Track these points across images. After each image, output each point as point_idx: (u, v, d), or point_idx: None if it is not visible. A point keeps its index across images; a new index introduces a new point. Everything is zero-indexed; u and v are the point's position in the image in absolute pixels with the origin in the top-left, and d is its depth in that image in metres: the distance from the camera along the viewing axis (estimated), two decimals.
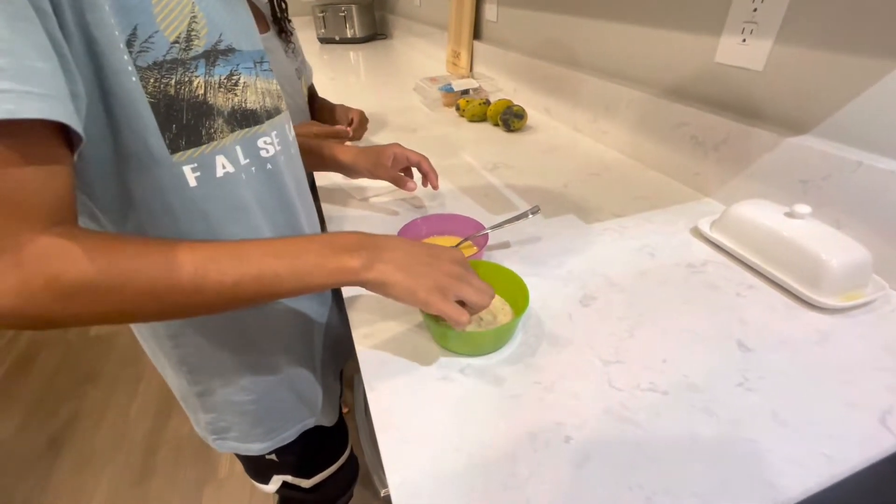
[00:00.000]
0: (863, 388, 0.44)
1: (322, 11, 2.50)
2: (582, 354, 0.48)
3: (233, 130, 0.43)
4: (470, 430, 0.41)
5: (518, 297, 0.51)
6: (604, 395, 0.44)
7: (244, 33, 0.45)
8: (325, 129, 1.01)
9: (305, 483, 0.74)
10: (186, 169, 0.41)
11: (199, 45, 0.39)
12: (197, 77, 0.39)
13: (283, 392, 0.61)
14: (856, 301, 0.52)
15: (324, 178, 0.90)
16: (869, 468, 0.38)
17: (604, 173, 0.90)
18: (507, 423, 0.42)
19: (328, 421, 0.70)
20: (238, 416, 0.60)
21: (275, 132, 0.49)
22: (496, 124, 1.18)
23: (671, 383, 0.45)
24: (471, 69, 1.66)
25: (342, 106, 1.13)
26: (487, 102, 1.23)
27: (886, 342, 0.49)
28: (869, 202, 0.57)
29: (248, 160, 0.46)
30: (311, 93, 1.15)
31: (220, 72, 0.41)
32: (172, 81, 0.38)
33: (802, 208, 0.57)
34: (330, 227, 0.76)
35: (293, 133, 0.55)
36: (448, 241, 0.65)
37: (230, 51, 0.42)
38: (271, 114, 0.48)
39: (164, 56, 0.37)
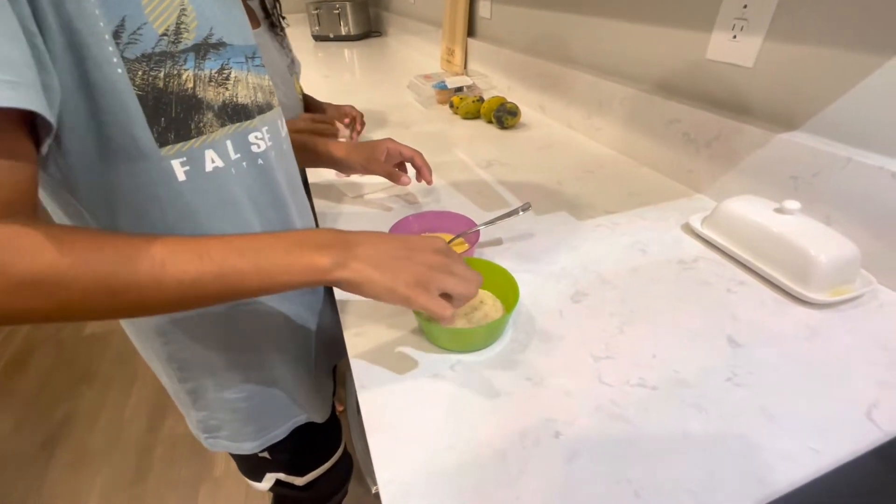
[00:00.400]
0: (850, 383, 0.44)
1: (316, 9, 2.48)
2: (573, 351, 0.49)
3: (223, 125, 0.43)
4: (460, 427, 0.41)
5: (508, 293, 0.52)
6: (594, 391, 0.44)
7: (236, 28, 0.44)
8: (312, 126, 0.98)
9: (299, 481, 0.74)
10: (175, 163, 0.40)
11: (189, 39, 0.39)
12: (186, 70, 0.39)
13: (274, 389, 0.61)
14: (844, 296, 0.53)
15: (316, 175, 0.90)
16: (854, 461, 0.38)
17: (597, 170, 0.90)
18: (497, 419, 0.42)
19: (320, 417, 0.70)
20: (229, 413, 0.60)
21: (266, 127, 0.48)
22: (490, 121, 1.18)
23: (661, 379, 0.45)
24: (465, 66, 1.65)
25: (332, 105, 1.12)
26: (481, 100, 1.23)
27: (874, 336, 0.49)
28: (857, 198, 0.57)
29: (238, 155, 0.45)
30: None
31: (210, 66, 0.41)
32: (161, 74, 0.37)
33: (792, 204, 0.58)
34: (323, 224, 0.75)
35: (286, 129, 0.55)
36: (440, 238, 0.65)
37: (221, 45, 0.42)
38: (263, 109, 0.48)
39: (153, 48, 0.36)
